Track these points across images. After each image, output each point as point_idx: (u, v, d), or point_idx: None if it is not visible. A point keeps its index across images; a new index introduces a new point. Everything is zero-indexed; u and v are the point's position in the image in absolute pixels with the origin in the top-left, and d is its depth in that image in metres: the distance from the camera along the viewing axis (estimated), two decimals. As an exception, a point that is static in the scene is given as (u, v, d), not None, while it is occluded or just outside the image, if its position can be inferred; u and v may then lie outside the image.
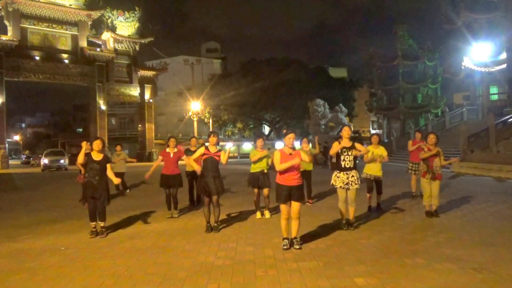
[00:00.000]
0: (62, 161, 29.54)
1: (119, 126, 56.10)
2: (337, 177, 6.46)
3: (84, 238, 6.54)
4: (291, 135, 5.54)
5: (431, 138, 7.48)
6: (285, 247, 5.36)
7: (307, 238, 6.05)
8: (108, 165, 6.68)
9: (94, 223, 6.64)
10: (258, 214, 7.89)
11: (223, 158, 6.63)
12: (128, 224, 7.58)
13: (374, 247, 5.48)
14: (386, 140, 37.39)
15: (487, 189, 11.65)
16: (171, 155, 8.23)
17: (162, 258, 5.20)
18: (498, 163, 15.83)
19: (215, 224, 6.70)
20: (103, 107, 40.40)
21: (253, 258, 5.08)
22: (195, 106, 40.67)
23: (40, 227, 7.61)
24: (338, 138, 8.39)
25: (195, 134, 38.82)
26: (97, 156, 6.60)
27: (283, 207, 5.48)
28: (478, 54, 29.31)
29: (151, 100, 45.25)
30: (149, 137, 44.97)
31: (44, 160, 29.62)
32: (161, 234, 6.66)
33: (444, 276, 4.24)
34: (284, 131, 5.86)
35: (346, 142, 6.44)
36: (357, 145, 6.52)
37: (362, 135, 49.06)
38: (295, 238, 5.50)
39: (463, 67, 30.53)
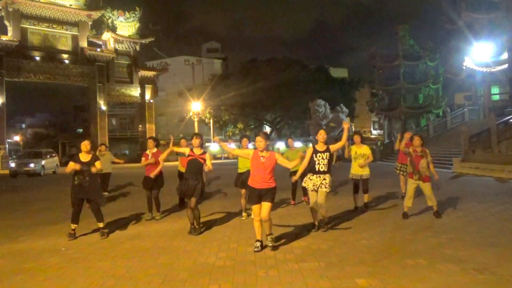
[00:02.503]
0: (32, 164, 23.23)
1: (119, 127, 56.10)
2: (310, 179, 6.39)
3: (85, 238, 6.53)
4: (258, 138, 5.48)
5: (416, 140, 7.42)
6: (256, 250, 5.32)
7: (308, 238, 6.04)
8: (96, 162, 6.62)
9: (75, 225, 6.53)
10: (245, 215, 7.88)
11: (209, 163, 6.57)
12: (128, 225, 7.57)
13: (375, 247, 5.47)
14: (387, 141, 37.36)
15: (488, 190, 11.63)
16: (149, 156, 8.19)
17: (163, 259, 5.19)
18: (499, 164, 15.79)
19: (196, 227, 6.61)
20: (104, 107, 40.42)
21: (254, 259, 5.07)
22: (196, 107, 40.70)
23: (40, 228, 7.60)
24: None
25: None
26: (85, 158, 6.55)
27: (254, 208, 5.48)
28: (479, 54, 29.26)
29: (151, 101, 45.26)
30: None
31: (11, 164, 24.87)
32: (162, 235, 6.65)
33: (445, 276, 4.22)
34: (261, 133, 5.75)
35: (320, 146, 6.40)
36: (332, 146, 6.47)
37: (363, 135, 49.06)
38: (269, 234, 5.49)
39: (464, 67, 30.48)
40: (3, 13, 36.18)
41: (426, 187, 7.30)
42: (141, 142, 45.71)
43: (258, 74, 44.33)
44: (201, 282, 4.27)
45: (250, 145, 7.98)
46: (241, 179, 7.90)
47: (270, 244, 5.43)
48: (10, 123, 50.06)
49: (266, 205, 5.39)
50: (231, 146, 8.68)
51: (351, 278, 4.24)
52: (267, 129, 54.37)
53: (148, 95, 44.78)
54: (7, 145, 37.84)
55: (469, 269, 4.41)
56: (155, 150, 8.23)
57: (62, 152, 54.27)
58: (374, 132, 64.06)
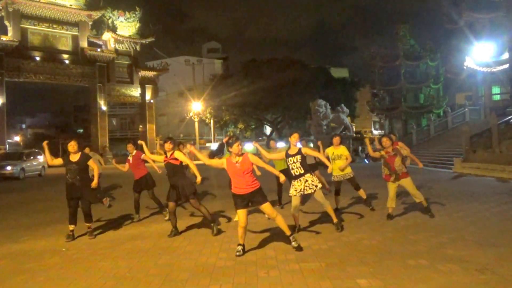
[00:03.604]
0: (9, 167, 20.96)
1: (120, 127, 56.15)
2: (292, 185, 6.24)
3: (85, 239, 6.53)
4: (238, 142, 5.37)
5: (384, 141, 7.26)
6: (238, 254, 5.23)
7: (308, 238, 6.03)
8: (89, 162, 6.64)
9: (72, 226, 6.57)
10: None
11: (184, 159, 6.58)
12: (129, 225, 7.56)
13: (377, 248, 5.46)
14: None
15: (489, 190, 11.61)
16: (130, 160, 8.26)
17: (163, 259, 5.18)
18: (500, 164, 15.77)
19: (212, 224, 6.63)
20: (104, 107, 40.42)
21: (255, 259, 5.07)
22: (196, 107, 40.69)
23: (41, 228, 7.60)
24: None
25: (196, 135, 39.03)
26: (74, 157, 6.57)
27: (240, 213, 5.30)
28: (480, 54, 29.24)
29: (152, 101, 45.26)
30: (150, 138, 44.96)
31: None
32: (163, 235, 6.64)
33: (446, 277, 4.22)
34: (226, 139, 5.63)
35: (292, 149, 6.22)
36: (305, 149, 6.38)
37: (364, 135, 49.00)
38: (290, 235, 5.43)
39: (465, 67, 30.46)
40: (3, 13, 36.19)
41: (407, 183, 7.19)
42: (142, 142, 45.75)
43: (259, 74, 44.31)
44: (202, 282, 4.26)
45: (279, 144, 7.86)
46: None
47: (295, 245, 5.32)
48: (10, 123, 50.07)
49: (265, 206, 5.32)
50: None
51: (352, 278, 4.23)
52: (268, 129, 54.39)
53: (148, 95, 44.78)
54: (7, 146, 37.84)
55: (471, 269, 4.40)
56: (134, 152, 8.27)
57: (62, 152, 54.37)
58: (375, 132, 63.99)
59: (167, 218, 8.00)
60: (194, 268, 4.75)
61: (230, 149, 5.32)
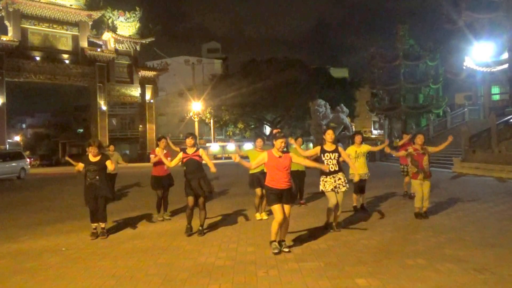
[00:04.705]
0: None
1: (120, 127, 56.15)
2: (324, 181, 6.34)
3: (85, 238, 6.54)
4: (283, 140, 5.39)
5: (419, 138, 7.42)
6: (275, 252, 5.19)
7: (308, 238, 6.04)
8: (107, 162, 6.62)
9: (95, 224, 6.63)
10: (258, 215, 7.83)
11: (206, 158, 6.60)
12: (128, 225, 7.57)
13: (375, 247, 5.47)
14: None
15: (488, 190, 11.63)
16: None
17: (163, 259, 5.19)
18: (500, 164, 15.80)
19: (200, 228, 6.55)
20: (104, 107, 40.45)
21: (254, 258, 5.08)
22: (196, 107, 40.70)
23: (40, 228, 7.61)
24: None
25: (196, 135, 39.01)
26: (93, 158, 6.58)
27: (276, 208, 5.27)
28: (479, 54, 29.26)
29: (152, 101, 45.30)
30: (150, 138, 45.02)
31: None
32: (162, 235, 6.65)
33: (445, 276, 4.22)
34: (275, 131, 5.70)
35: (329, 146, 6.36)
36: (341, 149, 6.45)
37: (364, 135, 49.03)
38: (283, 241, 5.40)
39: (464, 67, 30.47)
40: (3, 13, 36.23)
41: (427, 187, 7.31)
42: (141, 142, 45.75)
43: (258, 74, 44.32)
44: (201, 282, 4.27)
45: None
46: (255, 179, 7.77)
47: (286, 250, 5.30)
48: (10, 123, 50.11)
49: (287, 207, 5.32)
50: (232, 146, 8.66)
51: (351, 278, 4.24)
52: (267, 129, 54.41)
53: (148, 95, 44.80)
54: (7, 145, 37.87)
55: (469, 269, 4.41)
56: (165, 151, 7.98)
57: (62, 152, 54.36)
58: (375, 132, 64.02)
59: (160, 219, 8.01)
60: (193, 268, 4.76)
61: (274, 142, 5.41)
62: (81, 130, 56.30)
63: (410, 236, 6.11)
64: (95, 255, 5.51)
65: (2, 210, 10.24)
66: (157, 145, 8.22)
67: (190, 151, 6.59)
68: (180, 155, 6.61)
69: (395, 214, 7.97)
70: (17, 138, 61.01)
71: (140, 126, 47.22)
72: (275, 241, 5.31)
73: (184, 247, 5.79)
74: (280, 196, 5.30)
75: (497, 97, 32.70)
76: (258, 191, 7.75)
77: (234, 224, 7.39)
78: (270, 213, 8.01)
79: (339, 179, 6.29)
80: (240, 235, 6.47)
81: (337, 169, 6.31)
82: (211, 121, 46.53)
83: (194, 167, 6.52)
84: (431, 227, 6.70)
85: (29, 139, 63.60)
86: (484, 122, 24.76)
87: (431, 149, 7.56)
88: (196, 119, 39.98)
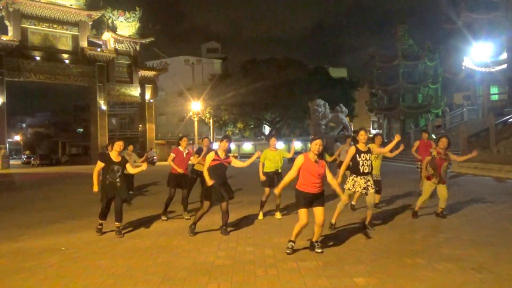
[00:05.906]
0: None
1: (119, 126, 56.19)
2: (354, 181, 6.32)
3: (85, 238, 6.55)
4: (318, 141, 5.23)
5: (443, 142, 7.17)
6: (288, 252, 5.19)
7: (306, 237, 6.05)
8: (127, 165, 6.71)
9: (103, 221, 6.66)
10: (261, 215, 7.79)
11: (240, 164, 6.63)
12: (128, 224, 7.58)
13: (374, 247, 5.49)
14: (386, 141, 37.43)
15: (487, 189, 11.65)
16: (184, 154, 7.98)
17: (162, 258, 5.21)
18: (498, 163, 15.83)
19: (224, 227, 6.52)
20: (104, 107, 40.45)
21: (253, 258, 5.09)
22: (196, 106, 40.67)
23: (40, 227, 7.62)
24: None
25: (195, 135, 38.99)
26: (116, 158, 6.61)
27: (302, 212, 5.17)
28: (478, 54, 29.31)
29: (151, 100, 45.30)
30: (149, 137, 45.04)
31: None
32: (162, 234, 6.67)
33: (443, 276, 4.25)
34: (312, 137, 5.61)
35: (362, 146, 6.34)
36: (373, 147, 6.52)
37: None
38: (316, 241, 5.33)
39: (463, 67, 30.53)
40: (3, 13, 36.21)
41: (444, 190, 7.25)
42: (141, 142, 45.74)
43: (258, 74, 44.33)
44: (201, 281, 4.29)
45: (278, 144, 7.96)
46: (269, 178, 7.73)
47: (319, 251, 5.23)
48: (10, 122, 50.10)
49: (322, 210, 5.22)
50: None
51: (350, 277, 4.26)
52: (267, 128, 54.41)
53: (148, 95, 44.80)
54: (7, 145, 37.87)
55: (467, 268, 4.43)
56: (187, 151, 8.05)
57: (62, 152, 54.35)
58: (374, 132, 64.10)
59: (187, 217, 7.92)
60: (192, 267, 4.78)
61: (310, 144, 5.33)
62: (81, 130, 56.33)
63: (408, 235, 6.13)
64: (94, 254, 5.52)
65: (2, 209, 10.25)
66: (179, 144, 8.15)
67: (222, 155, 6.41)
68: (212, 155, 6.38)
69: (393, 213, 7.99)
70: (17, 137, 60.99)
71: (140, 125, 47.24)
72: (293, 241, 5.29)
73: (184, 246, 5.80)
74: (311, 201, 5.19)
75: (495, 97, 32.77)
76: (267, 190, 7.72)
77: (233, 223, 7.40)
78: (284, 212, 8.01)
79: (368, 180, 6.29)
80: (239, 234, 6.49)
81: (370, 170, 6.32)
82: (211, 120, 46.51)
83: (222, 172, 6.40)
84: (430, 226, 6.72)
85: (29, 138, 63.60)
86: (482, 122, 24.79)
87: (453, 157, 7.43)
88: (195, 119, 39.95)
